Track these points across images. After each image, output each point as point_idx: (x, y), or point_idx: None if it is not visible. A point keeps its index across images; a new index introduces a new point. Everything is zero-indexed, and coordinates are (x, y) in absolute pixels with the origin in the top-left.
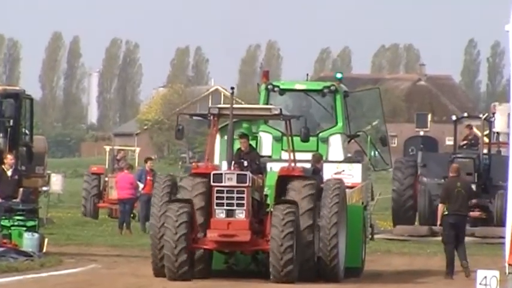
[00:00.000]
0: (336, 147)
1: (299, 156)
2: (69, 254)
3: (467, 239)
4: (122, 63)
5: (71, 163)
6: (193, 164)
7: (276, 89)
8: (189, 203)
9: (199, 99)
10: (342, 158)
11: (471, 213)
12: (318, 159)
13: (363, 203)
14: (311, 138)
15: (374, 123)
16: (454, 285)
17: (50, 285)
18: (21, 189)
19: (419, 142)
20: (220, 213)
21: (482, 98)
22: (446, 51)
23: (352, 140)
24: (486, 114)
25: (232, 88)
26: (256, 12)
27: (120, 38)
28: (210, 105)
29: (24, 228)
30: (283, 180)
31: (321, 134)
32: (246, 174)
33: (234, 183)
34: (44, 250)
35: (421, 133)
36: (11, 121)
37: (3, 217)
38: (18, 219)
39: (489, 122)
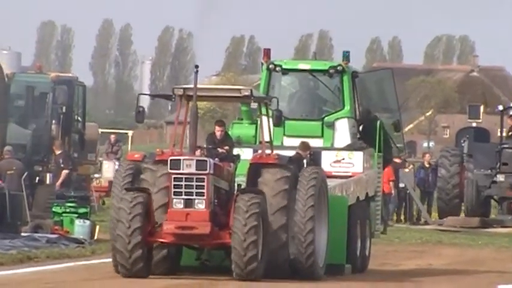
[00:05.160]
0: (342, 132)
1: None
2: None
3: None
4: (174, 52)
5: (123, 150)
6: (157, 150)
7: (278, 68)
8: (145, 191)
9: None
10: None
11: None
12: (305, 147)
13: (367, 194)
14: (316, 122)
15: (428, 114)
16: (505, 278)
17: (101, 272)
18: (63, 172)
19: (472, 133)
20: (177, 203)
21: None
22: (500, 42)
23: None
24: None
25: (196, 66)
26: (308, 1)
27: (173, 26)
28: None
29: (76, 215)
30: (256, 168)
31: (326, 118)
32: (206, 161)
33: (193, 170)
34: (95, 237)
35: (474, 124)
36: (64, 108)
37: (55, 204)
38: (70, 206)
39: None
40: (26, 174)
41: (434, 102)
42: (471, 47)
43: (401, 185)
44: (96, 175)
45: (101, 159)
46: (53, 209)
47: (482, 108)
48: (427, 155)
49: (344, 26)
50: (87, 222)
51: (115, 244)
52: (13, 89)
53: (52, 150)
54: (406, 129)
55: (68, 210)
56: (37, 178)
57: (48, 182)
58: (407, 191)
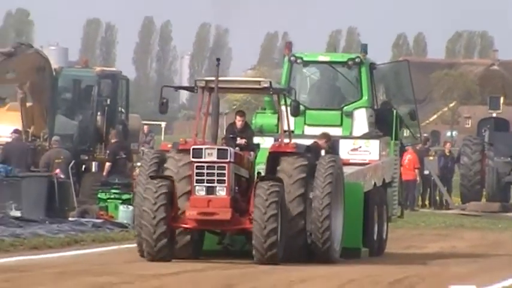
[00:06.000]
0: (360, 121)
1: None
2: None
3: None
4: (212, 47)
5: (155, 141)
6: (181, 139)
7: (299, 60)
8: (169, 179)
9: None
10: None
11: None
12: (323, 137)
13: (384, 180)
14: (335, 112)
15: (451, 105)
16: None
17: None
18: (106, 164)
19: (492, 123)
20: (200, 191)
21: None
22: None
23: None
24: None
25: (217, 59)
26: None
27: (209, 23)
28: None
29: (120, 201)
30: (275, 157)
31: (345, 108)
32: (227, 149)
33: (214, 158)
34: None
35: (494, 115)
36: (108, 100)
37: (100, 190)
38: (114, 193)
39: None
40: (73, 162)
41: (456, 94)
42: (491, 42)
43: (426, 172)
44: (139, 163)
45: (143, 148)
46: (99, 196)
47: (502, 99)
48: (448, 144)
49: (371, 23)
50: (130, 207)
51: (140, 232)
52: (61, 83)
53: (102, 140)
54: (431, 119)
55: (112, 196)
56: (83, 166)
57: (93, 170)
58: (432, 178)
